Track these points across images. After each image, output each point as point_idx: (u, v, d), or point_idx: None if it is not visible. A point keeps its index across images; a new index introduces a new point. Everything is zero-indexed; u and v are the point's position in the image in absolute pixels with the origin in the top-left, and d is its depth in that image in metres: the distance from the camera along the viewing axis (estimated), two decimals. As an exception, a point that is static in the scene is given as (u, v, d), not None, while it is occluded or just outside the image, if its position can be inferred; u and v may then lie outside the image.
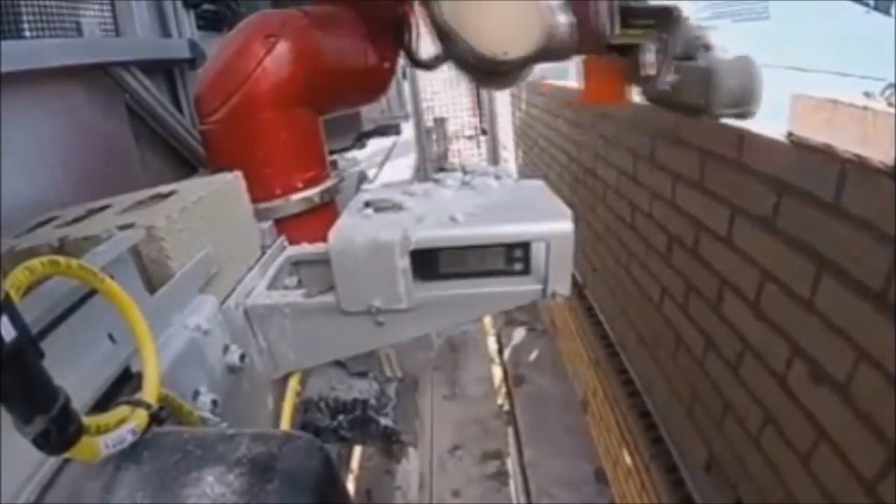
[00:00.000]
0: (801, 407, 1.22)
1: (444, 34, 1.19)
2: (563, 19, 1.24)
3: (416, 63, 1.80)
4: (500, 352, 4.43)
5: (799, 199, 1.19)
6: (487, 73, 1.31)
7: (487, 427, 3.65)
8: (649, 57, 1.24)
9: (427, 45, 1.79)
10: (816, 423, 1.17)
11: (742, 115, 1.32)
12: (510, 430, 3.59)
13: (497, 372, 4.28)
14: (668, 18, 1.17)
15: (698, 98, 1.26)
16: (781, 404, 1.30)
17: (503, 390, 4.02)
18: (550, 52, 1.23)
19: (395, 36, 1.69)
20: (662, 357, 2.10)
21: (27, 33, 1.40)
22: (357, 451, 2.97)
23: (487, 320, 4.87)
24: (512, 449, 3.44)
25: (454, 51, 1.24)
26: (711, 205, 1.58)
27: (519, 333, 4.49)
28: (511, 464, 3.34)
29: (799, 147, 1.17)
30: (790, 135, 1.20)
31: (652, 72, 1.25)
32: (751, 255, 1.39)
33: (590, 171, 2.91)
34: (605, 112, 2.51)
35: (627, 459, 2.42)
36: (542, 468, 3.12)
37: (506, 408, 3.81)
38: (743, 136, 1.38)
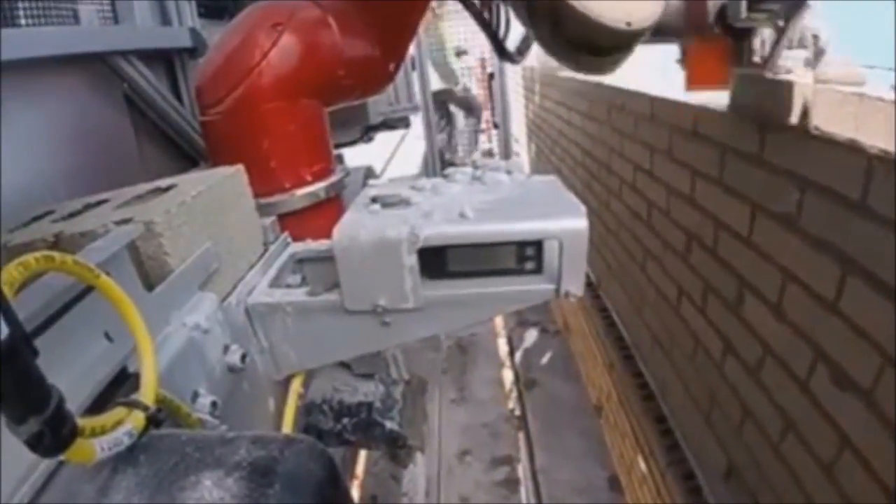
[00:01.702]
0: (825, 413, 1.18)
1: (554, 13, 1.13)
2: None
3: (506, 56, 1.74)
4: (511, 354, 4.35)
5: (823, 197, 1.15)
6: (594, 54, 1.25)
7: (497, 431, 3.56)
8: (757, 43, 1.21)
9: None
10: (840, 430, 1.13)
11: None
12: (521, 435, 3.51)
13: (507, 375, 4.19)
14: (794, 5, 1.12)
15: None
16: (803, 410, 1.25)
17: (514, 394, 3.94)
18: (662, 29, 1.19)
19: (487, 33, 1.65)
20: (679, 360, 2.05)
21: (23, 21, 1.38)
22: (362, 455, 2.93)
23: (498, 321, 4.80)
24: (523, 454, 3.36)
25: (565, 31, 1.17)
26: (731, 202, 1.53)
27: (530, 335, 4.42)
28: (522, 470, 3.26)
29: (823, 142, 1.12)
30: (815, 129, 1.15)
31: (759, 59, 1.22)
32: (772, 255, 1.35)
33: (604, 165, 2.86)
34: (621, 105, 2.46)
35: (642, 466, 2.37)
36: (554, 475, 3.05)
37: (516, 412, 3.73)
38: (765, 131, 1.33)
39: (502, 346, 4.55)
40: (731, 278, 1.56)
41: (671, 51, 1.51)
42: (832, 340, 1.15)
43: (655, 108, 2.08)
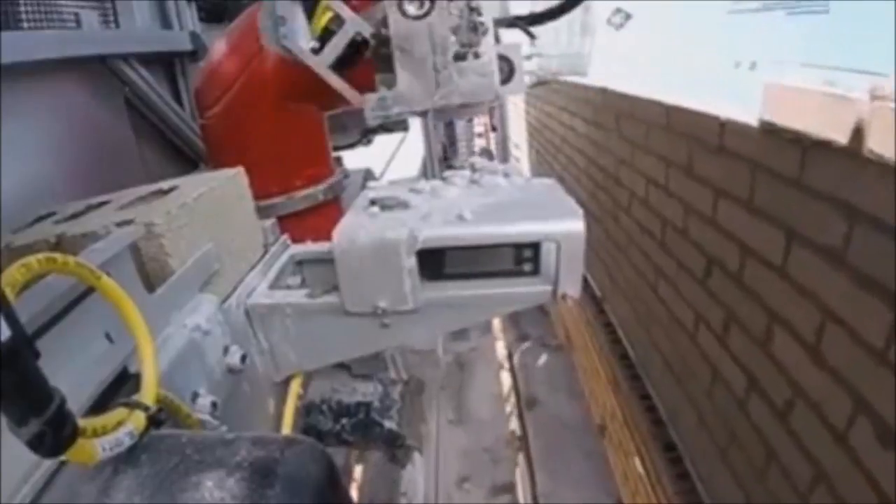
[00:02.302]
0: (863, 470, 1.07)
1: None
2: None
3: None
4: (511, 370, 4.19)
5: (876, 230, 1.01)
6: None
7: (498, 456, 3.40)
8: None
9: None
10: (881, 490, 1.03)
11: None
12: (522, 458, 3.36)
13: (508, 392, 4.02)
14: None
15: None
16: (838, 464, 1.15)
17: (514, 413, 3.77)
18: None
19: None
20: (693, 389, 1.90)
21: (25, 24, 1.39)
22: (361, 456, 2.88)
23: (497, 335, 4.67)
24: (524, 479, 3.22)
25: None
26: (763, 227, 1.37)
27: (531, 349, 4.26)
28: (523, 495, 3.13)
29: (880, 168, 0.99)
30: (870, 152, 1.01)
31: None
32: (811, 290, 1.20)
33: (612, 176, 2.71)
34: (631, 112, 2.33)
35: (649, 492, 2.25)
36: (558, 500, 2.90)
37: (517, 433, 3.58)
38: (807, 150, 1.19)
39: (502, 362, 4.39)
40: (759, 310, 1.41)
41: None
42: (878, 392, 1.02)
43: (672, 118, 1.88)
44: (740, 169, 1.46)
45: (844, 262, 1.09)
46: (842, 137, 1.06)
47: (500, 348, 4.61)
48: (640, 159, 2.29)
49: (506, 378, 4.23)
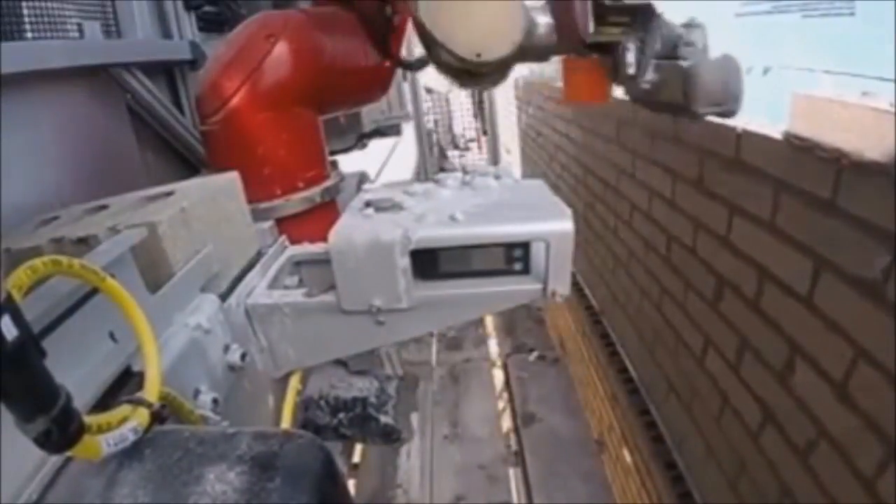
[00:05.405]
0: None
1: (424, 34, 1.15)
2: (542, 19, 1.22)
3: (400, 63, 1.80)
4: (507, 383, 4.06)
5: None
6: (467, 75, 1.25)
7: (494, 474, 3.33)
8: (630, 56, 1.20)
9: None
10: None
11: (724, 115, 1.23)
12: (519, 476, 3.29)
13: (504, 407, 3.92)
14: (645, 16, 1.14)
15: (678, 97, 1.15)
16: None
17: (510, 429, 3.68)
18: (528, 52, 1.20)
19: (380, 36, 1.68)
20: (701, 416, 1.80)
21: (28, 34, 1.42)
22: (358, 449, 2.87)
23: (493, 348, 4.60)
24: (521, 499, 3.16)
25: (433, 51, 1.20)
26: (787, 252, 1.24)
27: (527, 362, 4.16)
28: None
29: None
30: None
31: (633, 71, 1.21)
32: (841, 325, 1.08)
33: (611, 186, 2.60)
34: (633, 120, 2.19)
35: None
36: None
37: (513, 448, 3.50)
38: (842, 170, 1.02)
39: (498, 375, 4.30)
40: (779, 340, 1.30)
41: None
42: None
43: (681, 128, 1.77)
44: (761, 186, 1.33)
45: (885, 298, 0.96)
46: (884, 157, 0.93)
47: (496, 362, 4.45)
48: (643, 169, 2.16)
49: (502, 393, 4.12)
